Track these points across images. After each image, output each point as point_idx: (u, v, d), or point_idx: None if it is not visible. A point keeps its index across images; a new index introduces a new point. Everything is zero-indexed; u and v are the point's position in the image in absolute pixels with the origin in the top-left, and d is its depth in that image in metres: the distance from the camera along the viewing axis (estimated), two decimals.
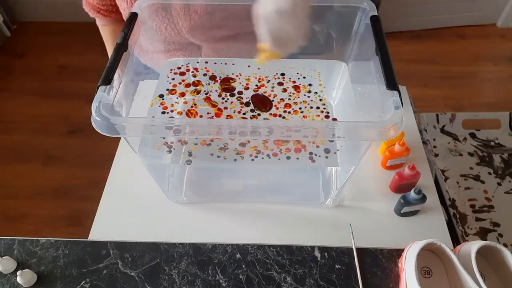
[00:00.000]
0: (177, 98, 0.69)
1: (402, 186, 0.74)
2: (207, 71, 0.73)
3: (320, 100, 0.69)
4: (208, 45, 0.80)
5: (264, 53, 0.56)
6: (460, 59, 2.13)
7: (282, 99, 0.69)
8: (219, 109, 0.67)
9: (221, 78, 0.71)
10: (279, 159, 0.63)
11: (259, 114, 0.66)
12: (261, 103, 0.67)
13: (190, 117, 0.66)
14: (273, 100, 0.68)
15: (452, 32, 2.27)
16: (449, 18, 2.25)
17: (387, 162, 0.78)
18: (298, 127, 0.49)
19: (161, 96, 0.69)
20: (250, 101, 0.67)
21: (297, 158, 0.63)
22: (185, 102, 0.68)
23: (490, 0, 2.18)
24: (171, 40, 0.78)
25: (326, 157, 0.64)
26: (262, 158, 0.63)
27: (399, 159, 0.77)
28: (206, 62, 0.75)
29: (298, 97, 0.69)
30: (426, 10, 2.19)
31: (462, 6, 2.19)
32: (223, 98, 0.69)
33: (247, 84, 0.71)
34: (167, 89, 0.70)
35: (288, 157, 0.63)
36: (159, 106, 0.67)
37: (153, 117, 0.65)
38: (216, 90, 0.70)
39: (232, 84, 0.70)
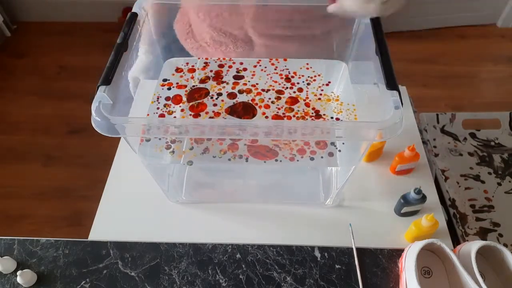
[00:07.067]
0: (182, 74, 0.68)
1: (402, 167, 0.75)
2: (204, 68, 0.73)
3: (320, 100, 0.69)
4: (263, 41, 0.79)
5: None
6: (460, 59, 2.13)
7: (280, 99, 0.69)
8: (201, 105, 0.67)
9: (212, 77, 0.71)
10: (288, 160, 0.63)
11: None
12: (244, 110, 0.67)
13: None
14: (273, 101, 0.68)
15: (452, 32, 2.27)
16: (449, 18, 2.25)
17: (396, 167, 0.77)
18: (299, 127, 0.49)
19: (165, 80, 0.69)
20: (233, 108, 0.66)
21: (312, 159, 0.63)
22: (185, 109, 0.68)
23: (490, 0, 2.18)
24: (227, 31, 0.77)
25: (333, 155, 0.64)
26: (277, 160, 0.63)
27: (408, 165, 0.76)
28: (204, 63, 0.75)
29: (298, 97, 0.69)
30: (426, 10, 2.19)
31: (462, 6, 2.19)
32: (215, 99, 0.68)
33: (244, 84, 0.71)
34: (169, 78, 0.70)
35: (298, 159, 0.63)
36: (162, 89, 0.67)
37: (167, 117, 0.65)
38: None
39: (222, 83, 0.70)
